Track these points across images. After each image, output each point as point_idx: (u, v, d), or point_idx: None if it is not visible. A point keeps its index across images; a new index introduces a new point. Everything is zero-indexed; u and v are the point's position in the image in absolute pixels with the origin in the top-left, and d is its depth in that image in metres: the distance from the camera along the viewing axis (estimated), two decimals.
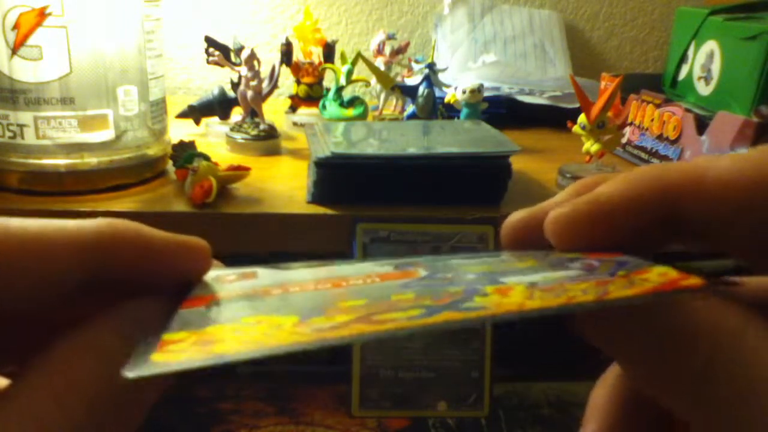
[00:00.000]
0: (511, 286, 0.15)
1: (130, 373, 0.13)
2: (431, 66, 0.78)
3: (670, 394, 0.14)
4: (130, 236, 0.16)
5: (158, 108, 0.62)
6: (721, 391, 0.13)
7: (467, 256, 0.19)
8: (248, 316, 0.16)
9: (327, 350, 0.67)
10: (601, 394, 0.19)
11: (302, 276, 0.19)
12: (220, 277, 0.19)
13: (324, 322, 0.15)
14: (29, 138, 0.55)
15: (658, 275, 0.14)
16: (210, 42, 0.74)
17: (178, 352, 0.14)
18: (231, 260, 0.20)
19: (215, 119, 0.82)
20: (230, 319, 0.16)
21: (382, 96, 0.82)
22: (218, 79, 0.83)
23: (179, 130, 0.76)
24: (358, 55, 0.80)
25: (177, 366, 0.14)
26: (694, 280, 0.14)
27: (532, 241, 0.17)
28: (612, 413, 0.18)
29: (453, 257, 0.19)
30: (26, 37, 0.52)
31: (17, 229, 0.15)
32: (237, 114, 0.79)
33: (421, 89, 0.78)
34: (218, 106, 0.80)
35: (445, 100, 0.79)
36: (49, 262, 0.15)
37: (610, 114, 0.62)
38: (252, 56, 0.69)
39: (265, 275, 0.19)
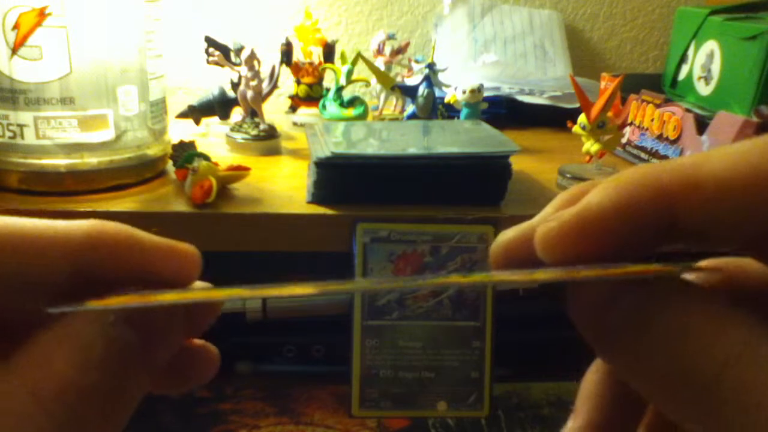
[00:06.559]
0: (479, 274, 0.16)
1: (53, 309, 0.13)
2: (431, 66, 0.78)
3: (672, 400, 0.14)
4: (119, 238, 0.17)
5: (158, 108, 0.62)
6: (733, 399, 0.12)
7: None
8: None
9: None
10: (593, 380, 0.18)
11: None
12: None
13: (273, 287, 0.15)
14: (29, 138, 0.55)
15: (636, 268, 0.14)
16: (210, 42, 0.74)
17: (116, 299, 0.14)
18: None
19: (215, 119, 0.82)
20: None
21: (382, 96, 0.82)
22: (218, 79, 0.83)
23: (179, 130, 0.76)
24: (358, 55, 0.80)
25: (105, 307, 0.14)
26: (666, 268, 0.14)
27: (523, 260, 0.17)
28: (602, 403, 0.18)
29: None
30: (26, 37, 0.52)
31: (13, 228, 0.15)
32: (237, 114, 0.79)
33: (421, 89, 0.78)
34: (218, 106, 0.80)
35: (445, 100, 0.79)
36: (39, 261, 0.15)
37: (610, 114, 0.62)
38: (252, 56, 0.69)
39: None
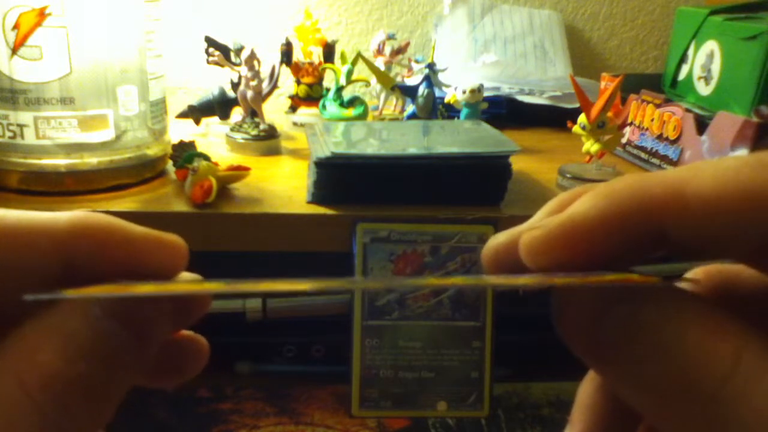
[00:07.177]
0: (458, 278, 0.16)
1: (29, 296, 0.13)
2: (431, 66, 0.78)
3: (668, 414, 0.13)
4: (104, 228, 0.16)
5: (158, 108, 0.62)
6: (733, 412, 0.12)
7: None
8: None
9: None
10: (588, 389, 0.18)
11: None
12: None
13: (248, 282, 0.15)
14: (29, 138, 0.55)
15: (615, 277, 0.14)
16: (210, 42, 0.74)
17: (94, 289, 0.14)
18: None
19: (215, 119, 0.82)
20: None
21: (382, 96, 0.82)
22: (218, 79, 0.83)
23: (179, 130, 0.76)
24: (358, 55, 0.80)
25: (81, 296, 0.14)
26: (650, 279, 0.14)
27: (513, 264, 0.17)
28: (598, 413, 0.18)
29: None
30: (26, 37, 0.52)
31: None
32: (237, 114, 0.79)
33: (421, 89, 0.78)
34: (218, 106, 0.80)
35: (445, 100, 0.79)
36: (22, 252, 0.15)
37: (610, 114, 0.62)
38: (252, 56, 0.69)
39: None
